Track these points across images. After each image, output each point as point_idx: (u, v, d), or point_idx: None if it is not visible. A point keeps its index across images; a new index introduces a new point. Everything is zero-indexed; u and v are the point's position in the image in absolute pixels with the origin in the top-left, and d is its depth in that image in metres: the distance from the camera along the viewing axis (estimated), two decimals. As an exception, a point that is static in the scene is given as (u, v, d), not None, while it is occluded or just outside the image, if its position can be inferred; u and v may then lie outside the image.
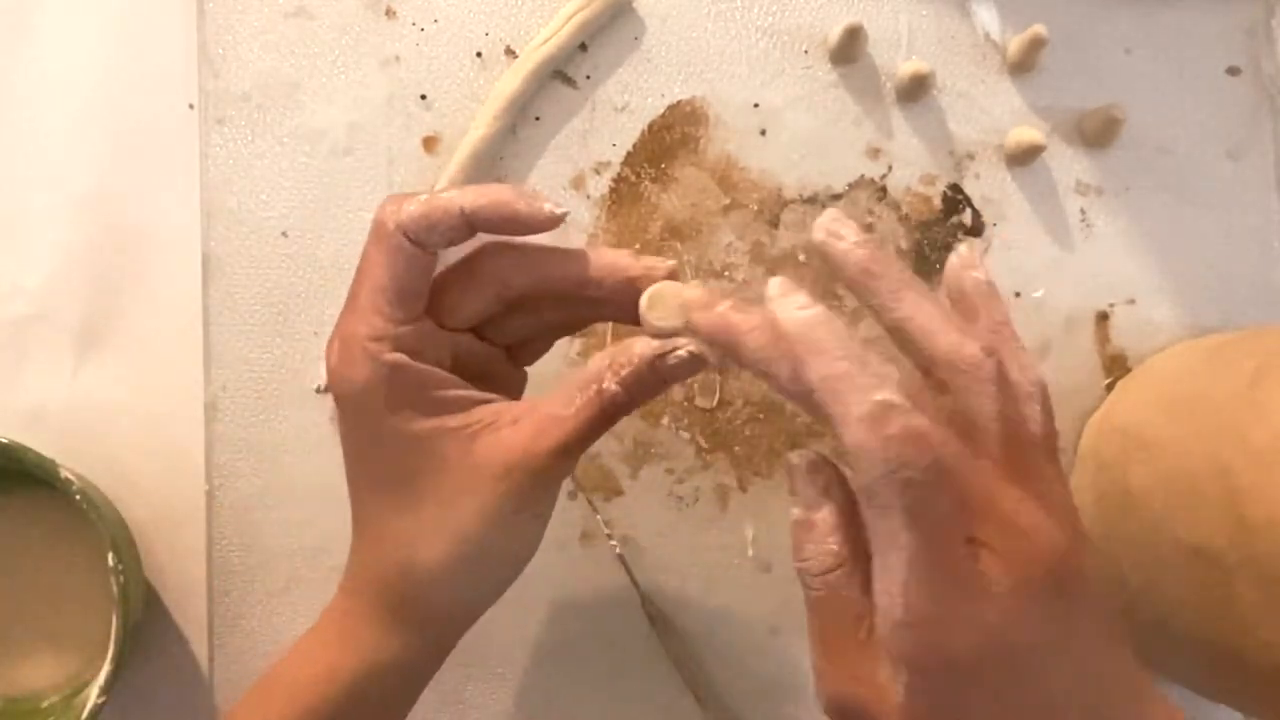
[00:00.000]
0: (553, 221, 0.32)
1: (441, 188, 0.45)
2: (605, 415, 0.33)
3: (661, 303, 0.32)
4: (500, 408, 0.33)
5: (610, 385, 0.32)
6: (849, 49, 0.46)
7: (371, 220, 0.33)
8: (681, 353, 0.32)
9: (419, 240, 0.32)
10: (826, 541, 0.28)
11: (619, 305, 0.33)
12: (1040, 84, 0.48)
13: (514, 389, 0.38)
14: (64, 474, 0.40)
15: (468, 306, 0.34)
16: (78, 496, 0.40)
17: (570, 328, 0.38)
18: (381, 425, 0.32)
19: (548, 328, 0.37)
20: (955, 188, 0.48)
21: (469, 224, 0.32)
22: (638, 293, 0.33)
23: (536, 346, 0.38)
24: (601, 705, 0.46)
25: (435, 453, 0.32)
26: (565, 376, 0.46)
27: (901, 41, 0.48)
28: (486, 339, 0.36)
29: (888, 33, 0.48)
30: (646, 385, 0.32)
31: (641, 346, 0.32)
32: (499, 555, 0.34)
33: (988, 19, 0.48)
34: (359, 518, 0.35)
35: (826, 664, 0.28)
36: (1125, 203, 0.48)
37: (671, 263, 0.34)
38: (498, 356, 0.36)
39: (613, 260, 0.34)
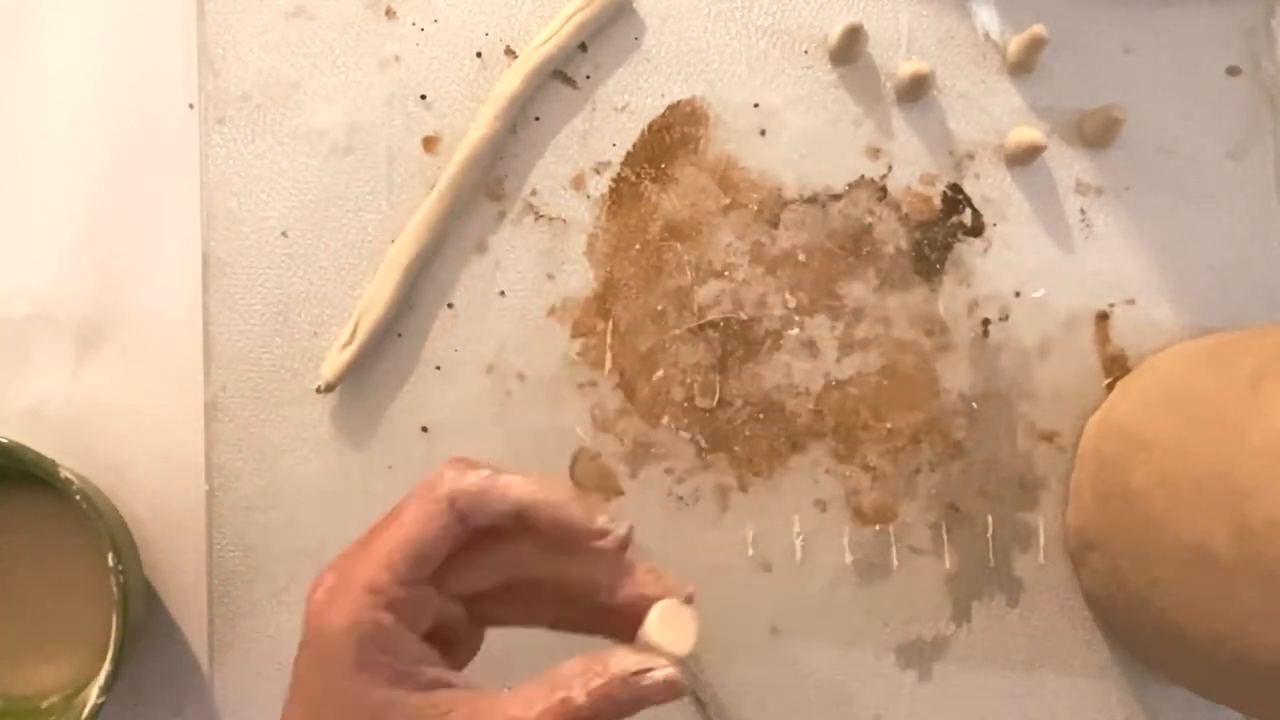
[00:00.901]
0: (606, 541, 0.32)
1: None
2: None
3: (669, 623, 0.31)
4: (461, 696, 0.31)
5: (578, 696, 0.31)
6: (849, 49, 0.46)
7: (427, 478, 0.32)
8: (658, 675, 0.31)
9: (463, 513, 0.31)
10: None
11: (623, 619, 0.32)
12: (1040, 84, 0.48)
13: (470, 649, 0.36)
14: (64, 474, 0.40)
15: (471, 581, 0.33)
16: (78, 496, 0.40)
17: (558, 626, 0.36)
18: (342, 680, 0.31)
19: (534, 619, 0.35)
20: (955, 188, 0.48)
21: (519, 517, 0.32)
22: (644, 611, 0.32)
23: (507, 622, 0.36)
24: (601, 705, 0.46)
25: None
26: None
27: (901, 41, 0.48)
28: (476, 617, 0.35)
29: (888, 33, 0.48)
30: (616, 703, 0.31)
31: (618, 661, 0.31)
32: None
33: (988, 19, 0.48)
34: None
35: None
36: (1125, 203, 0.48)
37: (690, 588, 0.33)
38: (465, 621, 0.35)
39: (632, 572, 0.33)
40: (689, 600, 0.33)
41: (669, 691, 0.31)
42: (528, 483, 0.32)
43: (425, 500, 0.31)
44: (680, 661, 0.31)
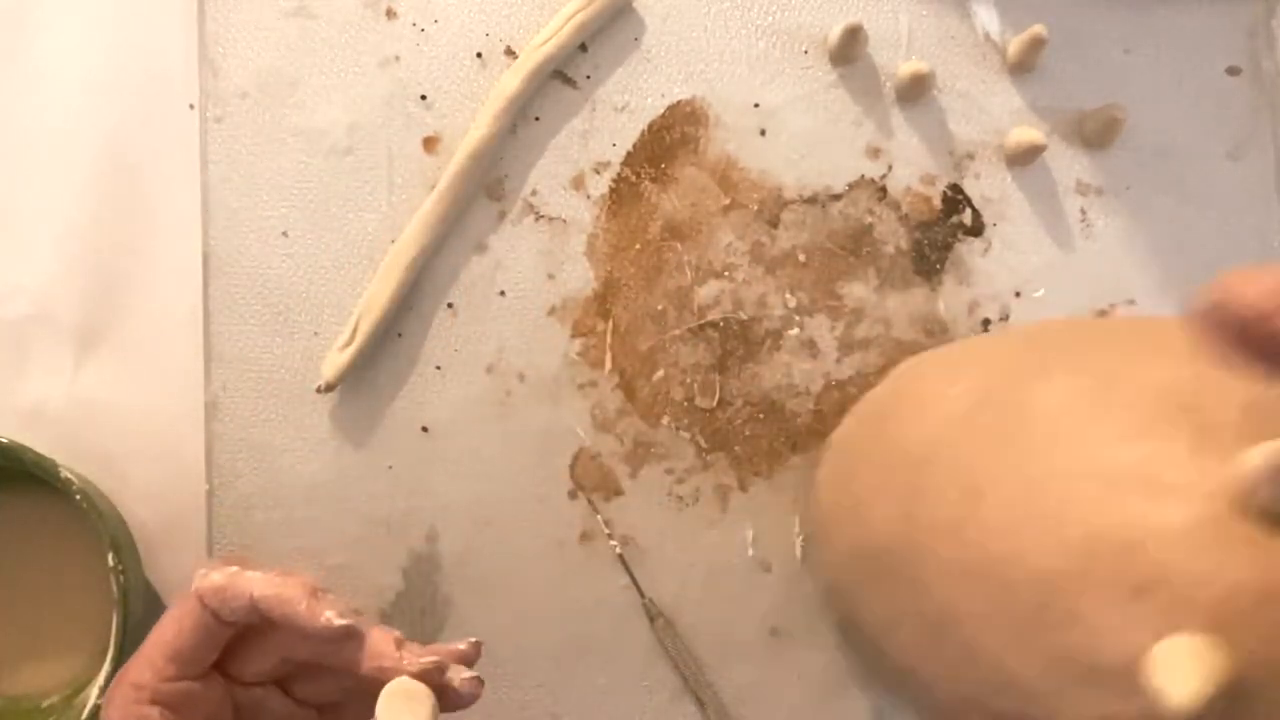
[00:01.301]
0: (330, 633, 0.33)
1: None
2: None
3: (396, 703, 0.32)
4: None
5: None
6: (849, 49, 0.46)
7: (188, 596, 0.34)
8: None
9: (212, 609, 0.33)
10: None
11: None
12: (1040, 84, 0.48)
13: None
14: (64, 474, 0.40)
15: (255, 665, 0.35)
16: (78, 496, 0.40)
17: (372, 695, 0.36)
18: None
19: (350, 693, 0.37)
20: (955, 188, 0.48)
21: (256, 610, 0.33)
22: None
23: (351, 709, 0.37)
24: (601, 705, 0.46)
25: None
26: (559, 377, 0.46)
27: (901, 41, 0.48)
28: (295, 696, 0.36)
29: (888, 33, 0.48)
30: None
31: None
32: None
33: (988, 19, 0.48)
34: None
35: None
36: (1125, 203, 0.48)
37: (426, 661, 0.33)
38: (307, 715, 0.37)
39: (378, 649, 0.33)
40: (424, 674, 0.33)
41: None
42: (264, 581, 0.33)
43: (181, 600, 0.34)
44: None
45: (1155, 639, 0.25)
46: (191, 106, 0.46)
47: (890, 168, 0.47)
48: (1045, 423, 0.31)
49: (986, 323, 0.47)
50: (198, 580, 0.34)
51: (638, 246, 0.47)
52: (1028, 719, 0.29)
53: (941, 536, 0.32)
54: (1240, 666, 0.24)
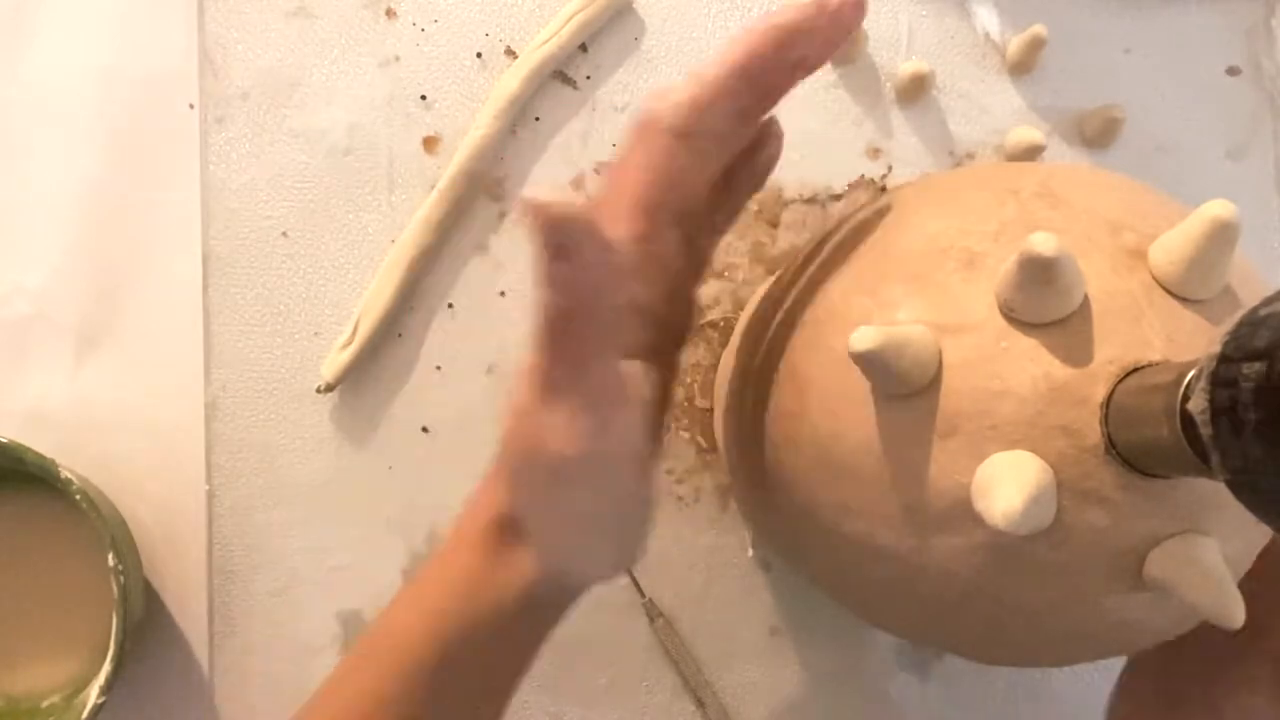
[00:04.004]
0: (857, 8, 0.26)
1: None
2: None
3: None
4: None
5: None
6: (850, 49, 0.46)
7: (634, 124, 0.27)
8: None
9: (689, 134, 0.26)
10: None
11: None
12: (1040, 84, 0.48)
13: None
14: (64, 474, 0.40)
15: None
16: (78, 496, 0.40)
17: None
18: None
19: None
20: (955, 188, 0.48)
21: (748, 84, 0.27)
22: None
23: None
24: (602, 705, 0.46)
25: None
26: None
27: (901, 41, 0.48)
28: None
29: (888, 33, 0.48)
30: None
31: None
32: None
33: (988, 19, 0.48)
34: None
35: None
36: (1125, 203, 0.48)
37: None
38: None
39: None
40: None
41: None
42: (731, 47, 0.27)
43: (636, 146, 0.26)
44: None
45: (975, 466, 0.27)
46: (191, 106, 0.46)
47: (890, 168, 0.47)
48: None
49: (986, 323, 0.47)
50: (648, 111, 0.26)
51: (638, 246, 0.47)
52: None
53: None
54: (1053, 466, 0.26)
